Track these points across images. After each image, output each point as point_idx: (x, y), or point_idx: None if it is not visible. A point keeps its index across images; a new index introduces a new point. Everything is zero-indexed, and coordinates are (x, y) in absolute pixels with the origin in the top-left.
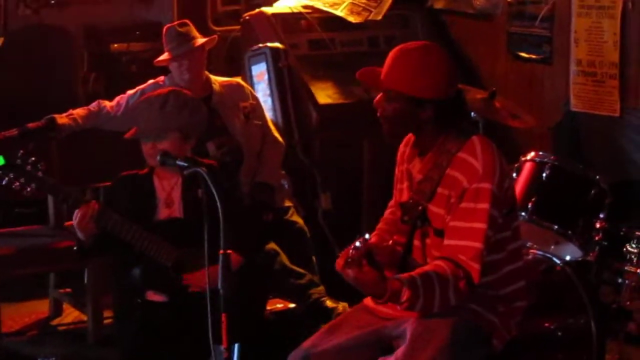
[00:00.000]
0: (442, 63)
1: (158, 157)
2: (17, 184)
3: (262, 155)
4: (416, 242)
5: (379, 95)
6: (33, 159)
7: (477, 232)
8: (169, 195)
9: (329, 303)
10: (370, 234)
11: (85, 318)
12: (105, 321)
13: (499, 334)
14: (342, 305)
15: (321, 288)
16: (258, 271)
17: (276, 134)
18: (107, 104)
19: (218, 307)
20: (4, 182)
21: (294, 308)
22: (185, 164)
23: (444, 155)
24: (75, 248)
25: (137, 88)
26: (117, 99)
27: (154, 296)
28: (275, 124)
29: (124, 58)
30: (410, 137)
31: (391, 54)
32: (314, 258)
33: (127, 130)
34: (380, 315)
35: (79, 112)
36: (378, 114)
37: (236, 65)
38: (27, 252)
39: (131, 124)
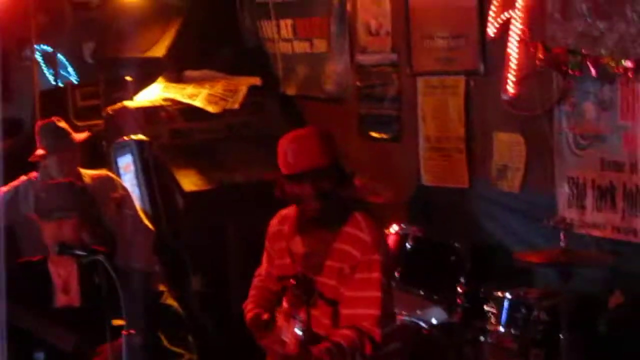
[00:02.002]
0: (323, 135)
1: (56, 248)
2: None
3: (134, 243)
4: (301, 314)
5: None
6: None
7: (374, 300)
8: (65, 281)
9: None
10: (250, 309)
11: None
12: None
13: None
14: None
15: None
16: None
17: (146, 222)
18: None
19: None
20: None
21: None
22: (85, 254)
23: (328, 231)
24: None
25: (10, 185)
26: None
27: None
28: (144, 212)
29: None
30: (285, 214)
31: (280, 146)
32: (190, 338)
33: (7, 224)
34: None
35: None
36: (299, 205)
37: (98, 157)
38: None
39: (33, 208)
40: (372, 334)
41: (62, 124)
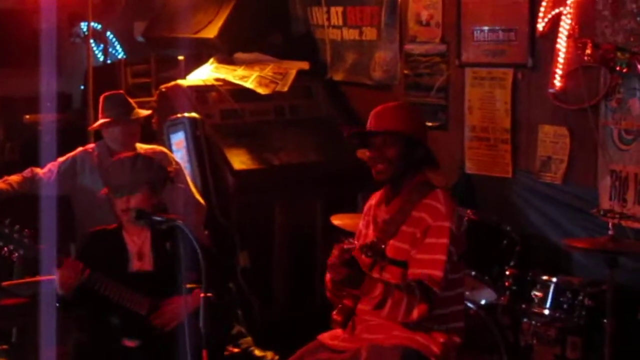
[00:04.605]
0: (422, 115)
1: (133, 214)
2: (6, 250)
3: (186, 217)
4: (375, 274)
5: (369, 151)
6: (18, 226)
7: (438, 262)
8: (140, 248)
9: (257, 352)
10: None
11: None
12: None
13: None
14: (269, 354)
15: (249, 338)
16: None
17: (198, 197)
18: (39, 171)
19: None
20: None
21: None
22: (163, 219)
23: (410, 202)
24: (57, 304)
25: (68, 155)
26: (48, 166)
27: (127, 342)
28: (196, 188)
29: (37, 128)
30: (376, 193)
31: (379, 109)
32: (238, 311)
33: (63, 194)
34: (336, 349)
35: (13, 178)
36: (375, 163)
37: (149, 134)
38: None
39: (103, 184)
40: (431, 293)
41: (127, 98)
